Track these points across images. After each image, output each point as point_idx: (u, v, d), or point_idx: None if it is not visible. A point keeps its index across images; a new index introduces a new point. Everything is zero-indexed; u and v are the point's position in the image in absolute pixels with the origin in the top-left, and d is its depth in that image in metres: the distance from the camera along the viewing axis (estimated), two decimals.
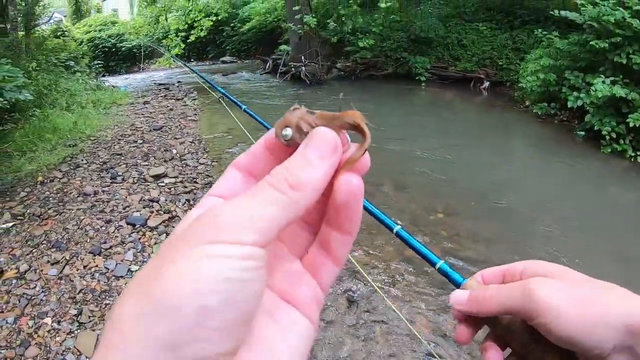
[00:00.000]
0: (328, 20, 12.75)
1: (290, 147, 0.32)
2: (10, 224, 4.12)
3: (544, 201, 5.08)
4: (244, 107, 2.13)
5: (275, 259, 0.33)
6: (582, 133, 7.48)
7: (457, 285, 0.54)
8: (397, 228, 0.67)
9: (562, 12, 7.91)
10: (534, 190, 5.41)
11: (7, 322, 2.90)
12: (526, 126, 8.62)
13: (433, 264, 0.61)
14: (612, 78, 6.94)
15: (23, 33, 11.39)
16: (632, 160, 6.55)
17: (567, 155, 6.88)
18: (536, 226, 4.45)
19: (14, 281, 3.32)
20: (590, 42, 7.29)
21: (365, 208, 0.55)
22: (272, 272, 0.32)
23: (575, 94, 7.50)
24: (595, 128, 7.05)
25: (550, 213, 4.74)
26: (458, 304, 0.50)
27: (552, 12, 8.43)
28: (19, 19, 10.54)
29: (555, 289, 0.43)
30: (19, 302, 3.09)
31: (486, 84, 11.76)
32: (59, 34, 16.80)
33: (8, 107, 5.46)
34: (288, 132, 0.32)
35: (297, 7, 12.61)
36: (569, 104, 7.54)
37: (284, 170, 0.29)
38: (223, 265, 0.24)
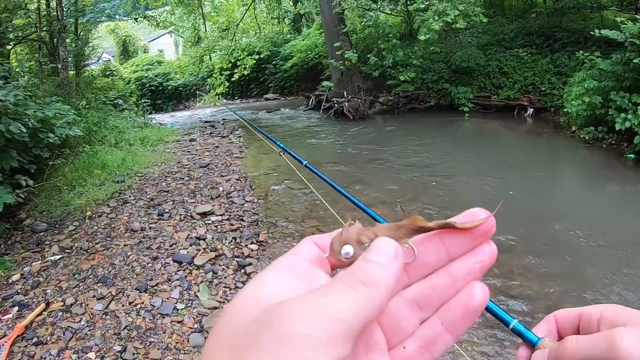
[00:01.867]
0: (369, 55, 13.22)
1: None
2: (58, 257, 4.35)
3: (597, 231, 4.89)
4: (304, 162, 2.21)
5: (365, 351, 0.32)
6: (632, 156, 7.28)
7: (532, 345, 0.52)
8: None
9: (602, 31, 7.83)
10: (586, 220, 5.22)
11: (50, 354, 3.03)
12: (574, 152, 8.49)
13: (507, 324, 0.61)
14: None
15: (73, 72, 12.33)
16: None
17: (618, 180, 6.73)
18: (591, 259, 4.28)
19: (60, 313, 3.48)
20: (634, 60, 7.17)
21: None
22: None
23: (622, 115, 7.38)
24: None
25: (605, 244, 4.57)
26: None
27: (592, 32, 8.35)
28: (70, 59, 11.36)
29: None
30: (64, 334, 3.24)
31: (530, 110, 11.78)
32: (107, 73, 18.07)
33: (59, 142, 5.86)
34: (349, 249, 0.31)
35: (337, 43, 13.19)
36: (617, 126, 7.41)
37: (351, 272, 0.29)
38: None
